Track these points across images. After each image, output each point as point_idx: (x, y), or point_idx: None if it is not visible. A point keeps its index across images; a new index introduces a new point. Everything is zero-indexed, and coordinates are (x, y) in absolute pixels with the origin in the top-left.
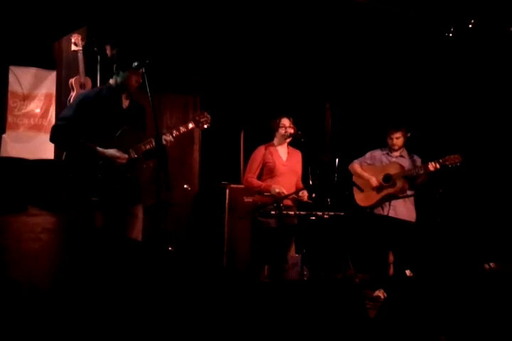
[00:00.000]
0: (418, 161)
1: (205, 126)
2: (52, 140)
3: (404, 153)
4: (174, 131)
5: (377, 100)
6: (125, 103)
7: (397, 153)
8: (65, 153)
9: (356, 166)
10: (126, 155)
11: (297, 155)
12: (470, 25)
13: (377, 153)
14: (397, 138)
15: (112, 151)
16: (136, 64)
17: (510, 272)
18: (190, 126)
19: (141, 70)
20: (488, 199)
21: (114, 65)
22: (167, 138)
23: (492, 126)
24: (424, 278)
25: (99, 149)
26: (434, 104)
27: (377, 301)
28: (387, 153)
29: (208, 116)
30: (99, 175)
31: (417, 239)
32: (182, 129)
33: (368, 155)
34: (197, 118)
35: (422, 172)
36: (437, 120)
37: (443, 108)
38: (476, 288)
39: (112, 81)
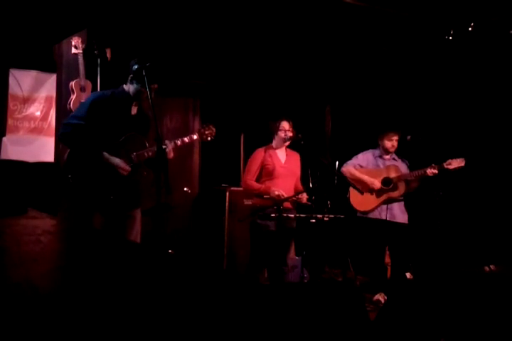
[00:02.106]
0: (407, 164)
1: (209, 139)
2: (60, 136)
3: (395, 155)
4: (178, 141)
5: (377, 103)
6: (133, 110)
7: (389, 156)
8: (66, 154)
9: (352, 169)
10: (129, 168)
11: (296, 157)
12: (470, 28)
13: (370, 155)
14: (396, 141)
15: (117, 161)
16: (136, 67)
17: (510, 274)
18: (195, 137)
19: (154, 86)
20: (488, 202)
21: (130, 75)
22: (170, 145)
23: (491, 128)
24: (424, 281)
25: (106, 155)
26: (434, 107)
27: (378, 305)
28: (380, 156)
29: (213, 129)
30: (100, 178)
31: (417, 241)
32: (186, 140)
33: (360, 157)
34: (202, 130)
35: (423, 174)
36: (437, 123)
37: (443, 111)
38: (476, 290)
39: (125, 87)
